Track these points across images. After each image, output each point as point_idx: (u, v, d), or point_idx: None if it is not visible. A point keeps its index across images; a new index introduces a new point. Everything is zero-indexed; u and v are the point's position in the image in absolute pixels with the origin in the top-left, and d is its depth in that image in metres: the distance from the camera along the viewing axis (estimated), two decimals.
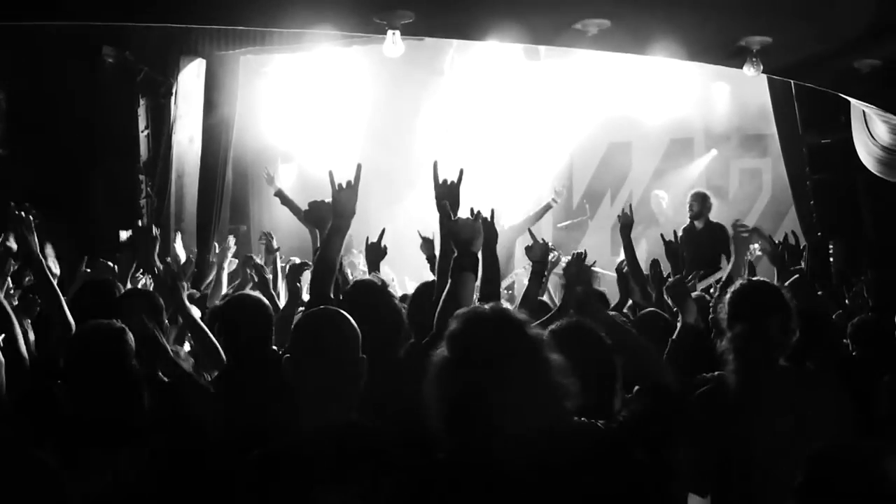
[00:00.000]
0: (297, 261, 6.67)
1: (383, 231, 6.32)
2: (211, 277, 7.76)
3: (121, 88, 10.71)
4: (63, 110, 10.20)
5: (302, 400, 3.20)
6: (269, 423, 3.40)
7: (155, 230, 6.67)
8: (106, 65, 10.54)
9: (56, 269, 6.92)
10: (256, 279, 6.90)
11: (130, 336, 3.96)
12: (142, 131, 10.99)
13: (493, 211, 4.63)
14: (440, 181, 4.54)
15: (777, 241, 6.69)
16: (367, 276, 5.47)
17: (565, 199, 13.37)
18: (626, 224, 7.50)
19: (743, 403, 3.94)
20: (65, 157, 10.24)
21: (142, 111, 10.98)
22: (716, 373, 4.15)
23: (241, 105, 11.78)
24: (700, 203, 10.71)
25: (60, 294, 4.83)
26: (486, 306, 3.00)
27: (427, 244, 7.09)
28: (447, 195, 4.50)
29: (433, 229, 5.60)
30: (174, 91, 11.17)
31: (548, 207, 11.03)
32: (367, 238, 11.03)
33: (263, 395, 3.89)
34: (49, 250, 6.76)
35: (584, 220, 13.53)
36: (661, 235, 7.66)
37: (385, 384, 3.53)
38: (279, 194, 9.90)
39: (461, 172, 4.56)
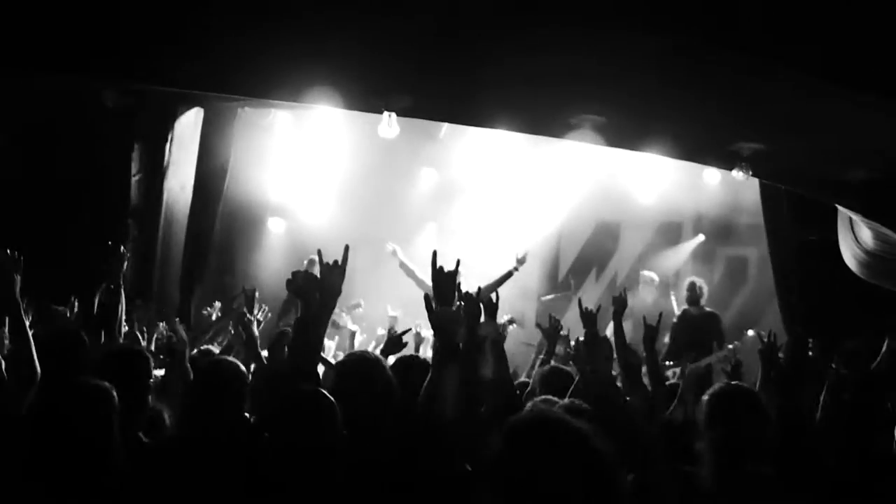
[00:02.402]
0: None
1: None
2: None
3: (116, 132, 10.73)
4: (58, 149, 10.23)
5: None
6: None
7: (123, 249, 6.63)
8: (104, 108, 10.57)
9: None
10: (245, 336, 6.89)
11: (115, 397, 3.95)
12: (133, 175, 10.98)
13: (479, 288, 4.74)
14: (437, 269, 4.60)
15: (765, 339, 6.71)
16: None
17: (550, 272, 13.42)
18: (620, 307, 7.45)
19: None
20: (55, 195, 10.23)
21: (135, 156, 10.99)
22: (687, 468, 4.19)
23: (235, 156, 11.82)
24: (697, 291, 11.18)
25: (31, 339, 4.81)
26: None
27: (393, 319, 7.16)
28: (443, 284, 4.56)
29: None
30: (170, 138, 11.20)
31: (509, 275, 10.97)
32: (361, 302, 11.27)
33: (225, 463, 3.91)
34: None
35: (568, 294, 13.55)
36: (644, 318, 7.66)
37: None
38: (403, 266, 10.74)
39: (458, 263, 4.63)
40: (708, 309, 11.14)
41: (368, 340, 10.42)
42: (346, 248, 4.61)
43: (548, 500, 2.46)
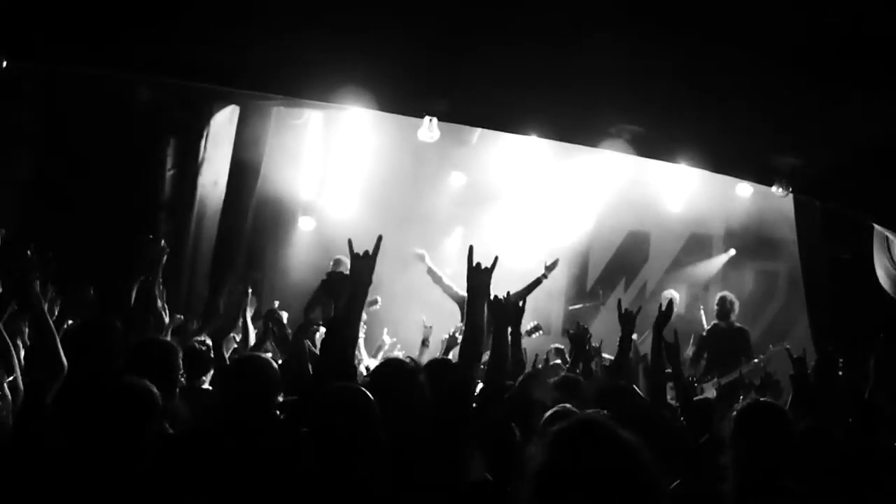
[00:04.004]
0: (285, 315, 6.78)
1: None
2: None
3: (151, 127, 10.78)
4: (93, 143, 10.28)
5: None
6: None
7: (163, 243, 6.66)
8: (139, 103, 10.62)
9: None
10: (277, 333, 6.93)
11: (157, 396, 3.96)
12: (168, 170, 11.02)
13: (508, 293, 4.77)
14: (474, 265, 4.62)
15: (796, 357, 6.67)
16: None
17: (579, 281, 13.38)
18: (663, 319, 7.34)
19: None
20: (89, 188, 10.29)
21: (170, 150, 11.03)
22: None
23: (268, 154, 11.85)
24: (727, 305, 11.17)
25: (56, 335, 4.82)
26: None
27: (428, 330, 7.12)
28: (479, 281, 4.59)
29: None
30: (205, 134, 11.23)
31: (538, 283, 10.90)
32: (378, 299, 11.28)
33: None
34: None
35: (596, 304, 13.48)
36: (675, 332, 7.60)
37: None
38: (430, 272, 10.87)
39: (496, 260, 4.66)
40: (738, 324, 11.09)
41: (394, 346, 10.39)
42: (379, 239, 4.61)
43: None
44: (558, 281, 11.64)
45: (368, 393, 3.94)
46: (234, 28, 5.77)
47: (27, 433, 4.21)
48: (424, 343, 9.54)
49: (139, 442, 3.84)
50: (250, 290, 8.17)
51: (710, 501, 4.14)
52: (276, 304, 9.47)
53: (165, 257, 6.45)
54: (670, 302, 6.80)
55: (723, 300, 11.22)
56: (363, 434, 3.81)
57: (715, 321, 11.11)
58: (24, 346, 5.58)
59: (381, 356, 9.32)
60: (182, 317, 7.83)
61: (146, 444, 3.87)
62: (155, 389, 3.93)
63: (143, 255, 6.27)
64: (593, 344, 7.70)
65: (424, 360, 6.72)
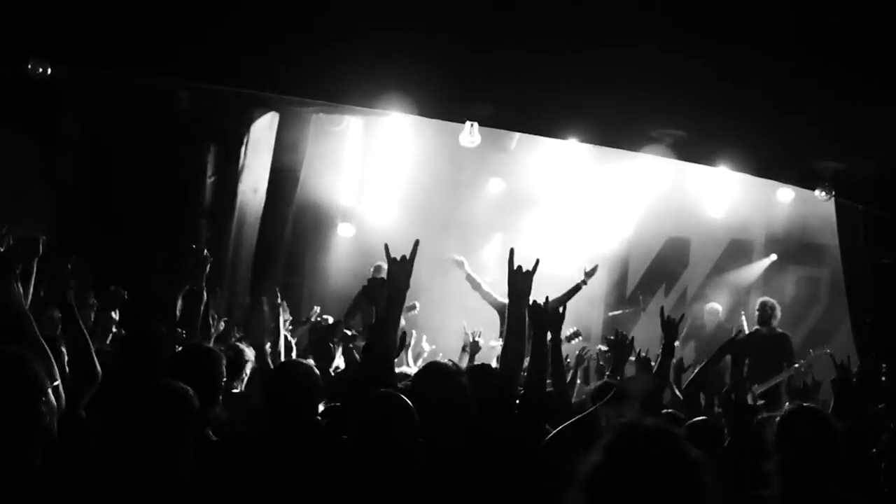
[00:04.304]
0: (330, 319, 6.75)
1: None
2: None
3: (192, 133, 10.88)
4: (134, 149, 10.39)
5: None
6: None
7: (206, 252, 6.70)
8: (180, 109, 10.72)
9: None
10: (318, 348, 6.94)
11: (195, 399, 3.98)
12: (209, 177, 11.12)
13: (546, 298, 4.88)
14: (515, 268, 4.62)
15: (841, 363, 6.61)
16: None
17: (619, 287, 13.35)
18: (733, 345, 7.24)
19: None
20: (130, 194, 10.40)
21: (210, 157, 11.12)
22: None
23: (308, 161, 11.92)
24: (768, 311, 10.99)
25: (90, 341, 4.87)
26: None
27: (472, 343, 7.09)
28: (520, 284, 4.60)
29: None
30: (245, 141, 11.32)
31: (577, 289, 10.81)
32: (416, 304, 11.30)
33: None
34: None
35: (637, 310, 13.42)
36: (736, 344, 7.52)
37: None
38: (469, 279, 10.73)
39: (537, 262, 4.66)
40: (779, 330, 10.96)
41: (434, 353, 10.39)
42: (416, 243, 4.60)
43: None
44: (598, 287, 11.60)
45: (407, 400, 3.93)
46: (278, 33, 5.81)
47: (67, 440, 4.24)
48: (465, 349, 9.52)
49: (178, 444, 3.84)
50: (279, 298, 8.20)
51: None
52: (317, 309, 9.53)
53: (209, 265, 6.48)
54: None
55: (763, 305, 11.07)
56: (403, 441, 3.81)
57: (756, 327, 11.01)
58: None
59: (420, 363, 9.30)
60: (224, 323, 7.87)
61: (186, 447, 3.87)
62: (191, 391, 3.94)
63: (185, 263, 6.30)
64: (642, 354, 7.61)
65: (464, 366, 6.71)
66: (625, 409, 5.16)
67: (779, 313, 10.97)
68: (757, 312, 10.99)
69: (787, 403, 5.71)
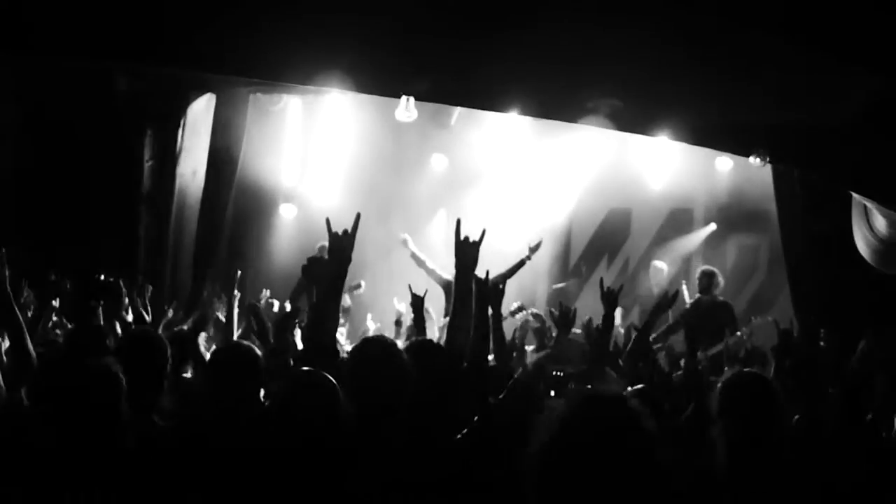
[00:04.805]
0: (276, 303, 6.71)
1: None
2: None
3: (129, 117, 10.73)
4: (71, 134, 10.24)
5: None
6: None
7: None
8: (116, 93, 10.56)
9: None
10: (256, 328, 6.89)
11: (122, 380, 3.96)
12: (146, 161, 10.98)
13: (487, 273, 4.79)
14: (461, 239, 4.63)
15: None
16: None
17: (562, 259, 13.43)
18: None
19: (728, 494, 3.96)
20: (68, 179, 10.25)
21: (148, 141, 10.99)
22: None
23: (247, 142, 11.81)
24: (709, 280, 11.02)
25: (25, 330, 4.82)
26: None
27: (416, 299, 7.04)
28: (467, 253, 4.60)
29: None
30: (182, 123, 11.19)
31: (521, 264, 10.87)
32: (362, 283, 11.29)
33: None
34: None
35: (579, 281, 13.54)
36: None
37: None
38: (414, 257, 10.83)
39: (483, 233, 4.67)
40: (721, 298, 11.03)
41: (379, 331, 10.40)
42: (358, 216, 4.60)
43: (599, 479, 2.46)
44: (542, 260, 11.65)
45: (329, 376, 3.90)
46: (212, 12, 5.73)
47: (7, 425, 4.21)
48: (398, 323, 9.53)
49: (110, 422, 3.83)
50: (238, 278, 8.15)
51: (702, 473, 4.14)
52: (267, 293, 9.47)
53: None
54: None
55: (704, 274, 11.12)
56: (324, 415, 3.80)
57: (698, 295, 11.09)
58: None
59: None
60: (171, 310, 7.81)
61: (119, 426, 3.86)
62: (116, 368, 3.92)
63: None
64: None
65: (401, 341, 6.70)
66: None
67: (719, 281, 11.05)
68: (698, 281, 11.07)
69: (726, 369, 5.75)
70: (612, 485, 2.46)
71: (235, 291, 7.70)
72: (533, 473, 2.51)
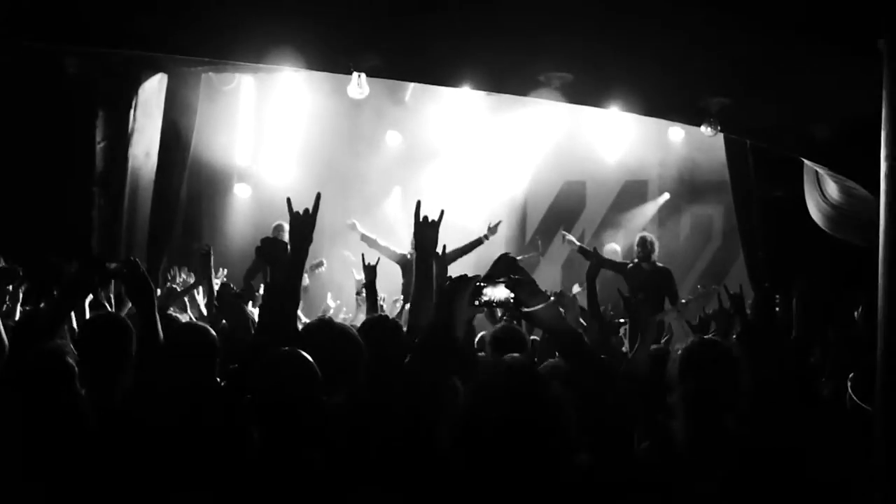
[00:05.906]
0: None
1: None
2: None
3: (79, 99, 10.61)
4: (20, 116, 10.09)
5: None
6: None
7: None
8: (66, 74, 10.43)
9: None
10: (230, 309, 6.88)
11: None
12: (98, 143, 10.87)
13: (444, 246, 4.93)
14: (421, 219, 4.63)
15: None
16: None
17: (517, 233, 13.49)
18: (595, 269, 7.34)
19: (688, 461, 4.02)
20: (17, 163, 10.12)
21: (99, 123, 10.86)
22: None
23: (200, 122, 11.73)
24: (646, 246, 10.92)
25: None
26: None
27: (369, 270, 7.03)
28: (427, 233, 4.61)
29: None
30: (133, 104, 11.07)
31: (478, 242, 10.94)
32: (323, 261, 11.27)
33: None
34: None
35: (535, 255, 13.58)
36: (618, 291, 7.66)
37: None
38: (364, 239, 10.91)
39: (442, 213, 4.67)
40: (660, 264, 10.96)
41: (339, 308, 10.40)
42: (318, 196, 4.58)
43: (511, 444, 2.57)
44: (499, 234, 11.67)
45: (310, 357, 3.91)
46: None
47: None
48: (360, 293, 9.49)
49: (65, 401, 3.84)
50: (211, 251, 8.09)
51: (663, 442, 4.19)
52: (224, 272, 9.43)
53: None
54: (595, 248, 6.85)
55: (643, 241, 11.02)
56: (308, 398, 3.80)
57: (636, 260, 10.99)
58: None
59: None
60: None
61: (73, 404, 3.86)
62: (67, 349, 3.95)
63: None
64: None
65: (362, 314, 6.72)
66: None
67: (657, 247, 10.98)
68: (637, 248, 10.98)
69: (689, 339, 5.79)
70: (522, 448, 2.59)
71: (213, 271, 7.71)
72: (453, 440, 2.64)
